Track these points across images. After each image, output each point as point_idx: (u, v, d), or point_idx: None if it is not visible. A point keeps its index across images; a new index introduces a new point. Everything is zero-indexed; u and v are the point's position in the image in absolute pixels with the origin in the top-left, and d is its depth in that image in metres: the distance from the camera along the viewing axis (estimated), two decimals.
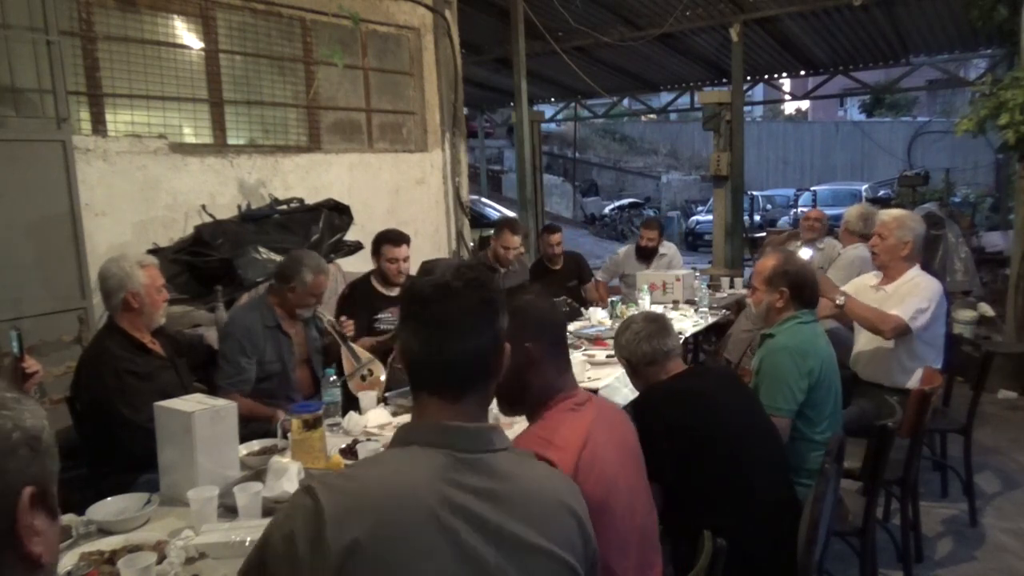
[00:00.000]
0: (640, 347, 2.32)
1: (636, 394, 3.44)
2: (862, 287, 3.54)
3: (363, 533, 1.00)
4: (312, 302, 3.17)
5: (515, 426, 2.51)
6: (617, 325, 4.14)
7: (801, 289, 2.68)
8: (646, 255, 5.65)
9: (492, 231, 4.90)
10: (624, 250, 5.98)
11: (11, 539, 0.72)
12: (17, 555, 0.72)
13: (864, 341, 3.47)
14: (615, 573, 1.51)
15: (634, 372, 2.41)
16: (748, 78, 10.36)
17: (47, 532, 0.76)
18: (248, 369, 3.03)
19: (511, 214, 6.29)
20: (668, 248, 5.82)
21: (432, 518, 1.04)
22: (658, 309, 4.59)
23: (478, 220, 6.40)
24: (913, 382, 3.21)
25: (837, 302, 3.25)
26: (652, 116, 22.66)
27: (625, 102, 14.11)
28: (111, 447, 2.53)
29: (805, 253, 3.48)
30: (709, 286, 5.67)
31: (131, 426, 2.43)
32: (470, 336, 1.16)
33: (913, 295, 3.23)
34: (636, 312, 3.91)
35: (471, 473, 1.09)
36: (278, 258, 4.02)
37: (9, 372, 2.32)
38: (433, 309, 1.16)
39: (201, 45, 4.74)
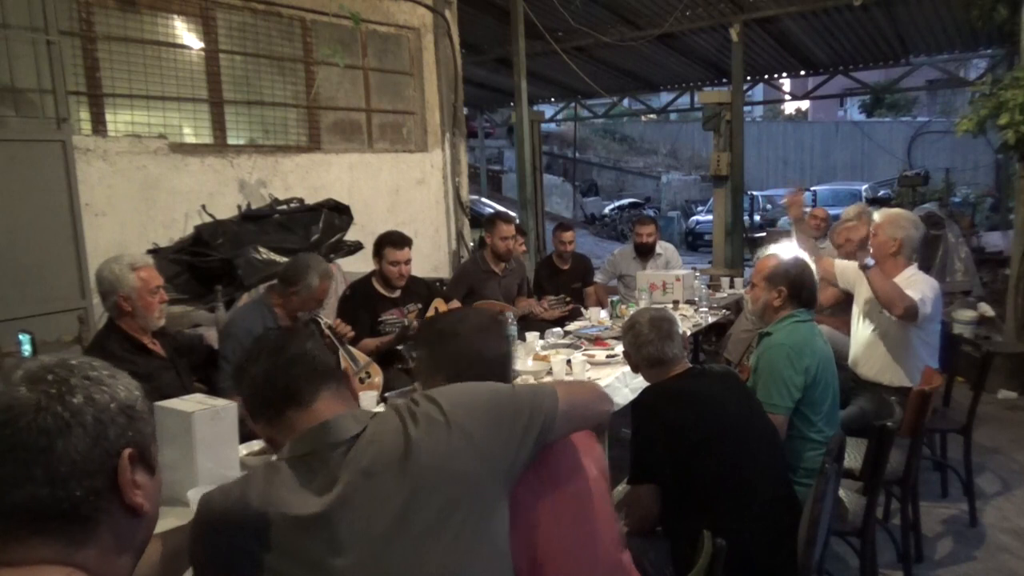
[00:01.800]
0: (642, 351, 2.33)
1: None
2: (861, 283, 3.54)
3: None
4: (314, 306, 3.17)
5: None
6: (618, 325, 4.16)
7: (800, 289, 2.68)
8: (644, 252, 5.59)
9: (483, 231, 4.86)
10: (621, 250, 5.95)
11: (116, 491, 0.87)
12: (121, 504, 0.87)
13: (861, 341, 3.47)
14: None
15: (636, 370, 2.43)
16: (748, 78, 10.35)
17: (147, 486, 0.91)
18: None
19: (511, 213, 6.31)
20: (665, 248, 5.77)
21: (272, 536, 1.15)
22: None
23: (478, 220, 6.38)
24: (911, 381, 3.21)
25: (866, 261, 3.22)
26: (652, 116, 22.68)
27: (625, 102, 14.10)
28: None
29: (789, 247, 3.57)
30: (709, 286, 5.67)
31: None
32: (294, 344, 1.34)
33: (914, 287, 3.23)
34: (641, 310, 3.90)
35: (331, 471, 1.18)
36: (278, 258, 4.01)
37: None
38: (263, 339, 1.40)
39: (201, 45, 4.74)
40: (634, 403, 2.32)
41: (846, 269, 3.70)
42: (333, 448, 1.20)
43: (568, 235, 5.47)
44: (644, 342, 2.32)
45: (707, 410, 2.16)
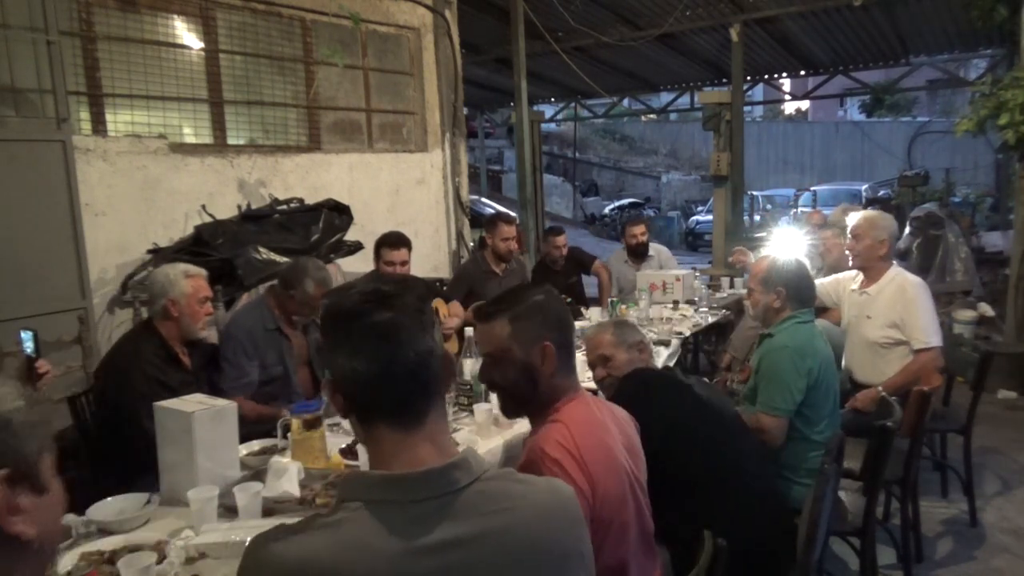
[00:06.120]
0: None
1: None
2: (844, 290, 3.54)
3: None
4: (307, 312, 3.12)
5: (514, 426, 2.51)
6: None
7: (797, 288, 2.68)
8: (638, 254, 5.57)
9: (483, 231, 4.85)
10: (614, 255, 5.90)
11: None
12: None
13: (855, 346, 3.45)
14: (618, 565, 1.53)
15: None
16: (748, 78, 10.36)
17: (33, 508, 0.76)
18: (251, 371, 3.02)
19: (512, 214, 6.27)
20: (658, 250, 5.69)
21: None
22: (658, 309, 4.60)
23: (478, 220, 6.38)
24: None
25: (879, 390, 3.12)
26: (652, 116, 22.67)
27: (625, 102, 14.10)
28: (122, 452, 2.51)
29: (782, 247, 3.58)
30: (709, 286, 5.67)
31: (148, 437, 2.41)
32: (420, 339, 1.02)
33: (914, 312, 3.17)
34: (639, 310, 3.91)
35: (429, 528, 0.95)
36: (278, 258, 4.02)
37: (22, 371, 2.32)
38: (374, 317, 1.01)
39: (201, 45, 4.74)
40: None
41: (825, 287, 3.63)
42: (437, 497, 0.98)
43: (560, 239, 5.43)
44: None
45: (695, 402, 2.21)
